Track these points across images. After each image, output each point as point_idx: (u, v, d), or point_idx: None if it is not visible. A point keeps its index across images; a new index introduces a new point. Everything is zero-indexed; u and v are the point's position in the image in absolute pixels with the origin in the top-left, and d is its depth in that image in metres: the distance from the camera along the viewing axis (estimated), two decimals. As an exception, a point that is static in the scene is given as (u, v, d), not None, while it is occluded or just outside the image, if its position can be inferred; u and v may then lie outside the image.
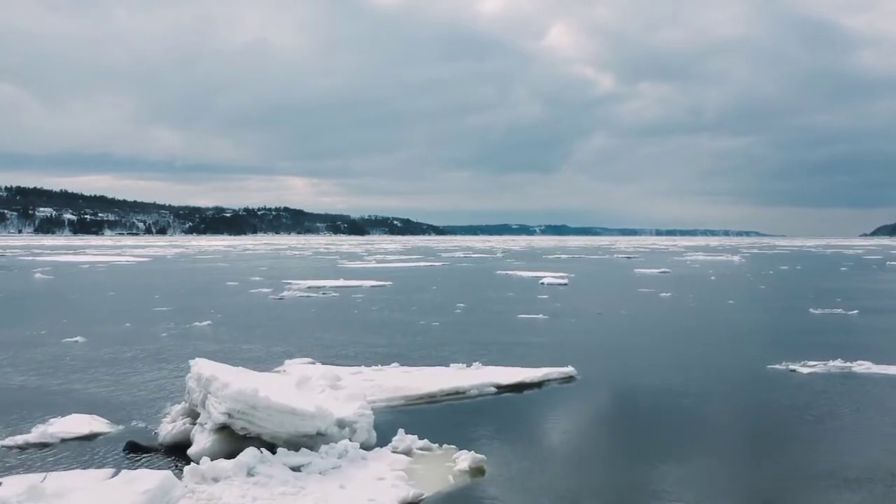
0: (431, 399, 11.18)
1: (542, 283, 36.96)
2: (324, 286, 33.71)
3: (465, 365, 13.31)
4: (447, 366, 13.40)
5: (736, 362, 14.66)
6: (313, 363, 13.67)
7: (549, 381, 12.71)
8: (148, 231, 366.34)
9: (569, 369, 13.15)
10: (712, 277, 44.24)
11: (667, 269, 51.27)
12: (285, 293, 29.41)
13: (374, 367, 13.09)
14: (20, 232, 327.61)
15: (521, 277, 42.65)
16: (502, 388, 12.00)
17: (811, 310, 24.19)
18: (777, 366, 14.05)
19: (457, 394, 11.51)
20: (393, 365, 13.36)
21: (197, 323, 20.04)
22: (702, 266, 59.79)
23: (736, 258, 77.04)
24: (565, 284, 36.66)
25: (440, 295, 30.32)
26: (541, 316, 22.11)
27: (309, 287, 33.19)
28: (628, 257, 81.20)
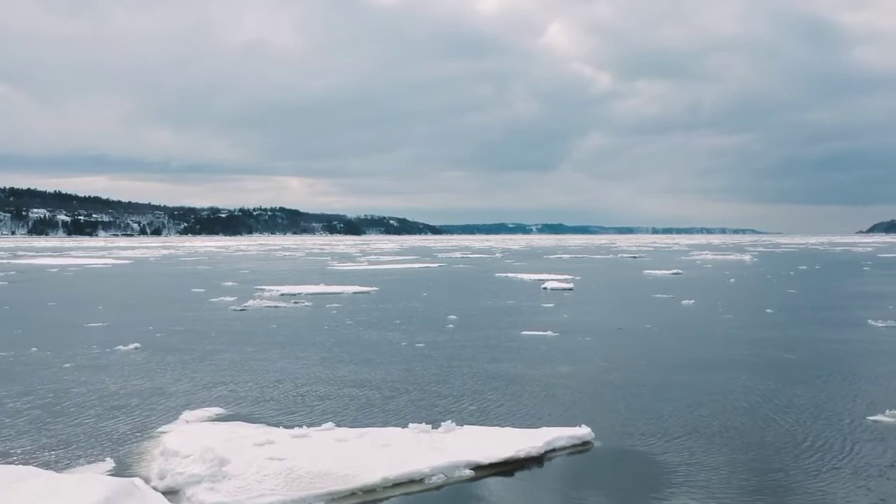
0: (368, 497, 7.00)
1: (545, 288, 33.06)
2: (300, 293, 29.77)
3: (430, 426, 8.99)
4: (406, 426, 9.15)
5: (819, 410, 10.66)
6: (215, 421, 9.73)
7: (553, 452, 8.49)
8: (143, 232, 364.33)
9: (583, 431, 8.97)
10: (731, 280, 40.31)
11: (679, 271, 47.37)
12: (251, 302, 25.46)
13: (297, 430, 8.84)
14: (13, 233, 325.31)
15: (522, 281, 38.73)
16: (482, 471, 7.74)
17: (870, 321, 20.27)
18: (881, 416, 10.06)
19: (411, 483, 7.30)
20: (326, 425, 9.09)
21: (122, 346, 16.10)
22: (714, 267, 55.92)
23: (746, 258, 73.28)
24: (571, 289, 32.78)
25: (431, 303, 26.40)
26: (548, 333, 18.15)
27: (282, 294, 29.25)
28: (633, 257, 77.37)
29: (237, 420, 9.75)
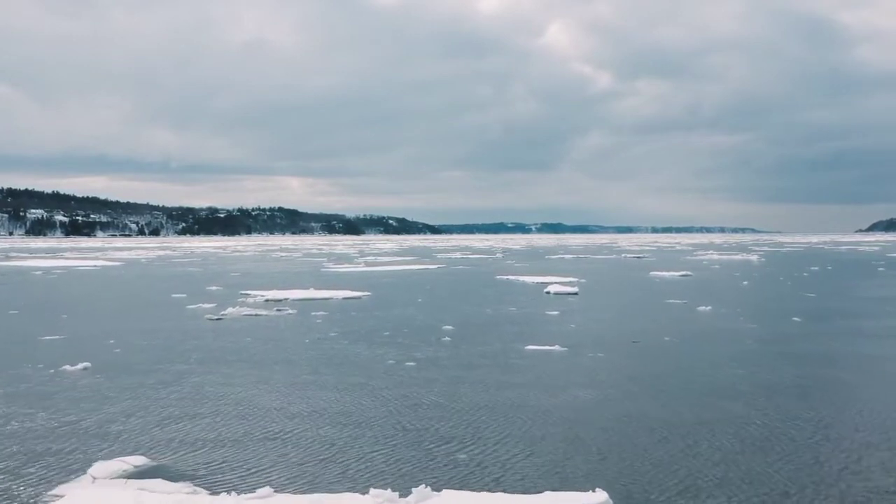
0: None
1: (549, 293, 31.05)
2: (285, 299, 27.74)
3: (398, 494, 6.82)
4: (367, 491, 7.01)
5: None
6: (130, 478, 7.64)
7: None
8: (141, 232, 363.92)
9: (599, 497, 6.78)
10: (744, 283, 38.28)
11: (687, 272, 45.32)
12: (230, 310, 23.42)
13: (223, 499, 6.79)
14: (11, 234, 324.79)
15: (525, 284, 36.70)
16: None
17: (914, 333, 18.27)
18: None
19: None
20: (262, 491, 6.93)
21: (69, 366, 14.06)
22: (722, 267, 53.94)
23: (753, 258, 71.37)
24: (576, 294, 30.78)
25: (426, 311, 24.37)
26: (555, 347, 16.11)
27: (266, 300, 27.22)
28: (637, 257, 75.42)
29: (158, 476, 7.67)
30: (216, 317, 22.11)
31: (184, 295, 29.95)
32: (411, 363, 14.50)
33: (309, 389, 12.22)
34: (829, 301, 27.81)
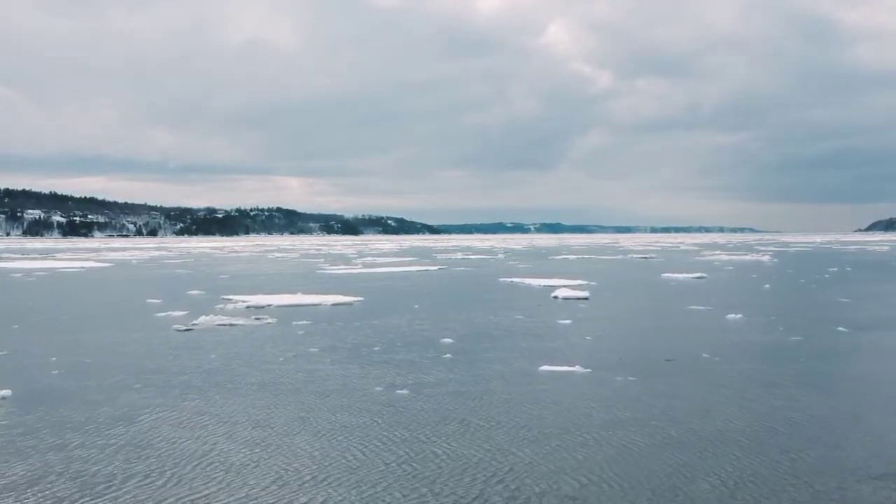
0: None
1: (556, 297, 28.50)
2: (268, 305, 25.17)
3: None
4: None
5: None
6: None
7: None
8: (139, 233, 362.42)
9: None
10: (766, 286, 35.70)
11: (701, 274, 42.74)
12: (202, 318, 20.83)
13: None
14: (8, 234, 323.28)
15: (530, 287, 34.16)
16: None
17: None
18: None
19: None
20: None
21: (-15, 394, 11.52)
22: (735, 269, 51.43)
23: (765, 258, 68.91)
24: (586, 298, 28.21)
25: (424, 319, 21.83)
26: (576, 368, 13.53)
27: (247, 307, 24.66)
28: (644, 257, 72.91)
29: None
30: (185, 327, 19.53)
31: (159, 300, 27.40)
32: (403, 391, 11.93)
33: (282, 434, 9.62)
34: (868, 307, 25.25)
